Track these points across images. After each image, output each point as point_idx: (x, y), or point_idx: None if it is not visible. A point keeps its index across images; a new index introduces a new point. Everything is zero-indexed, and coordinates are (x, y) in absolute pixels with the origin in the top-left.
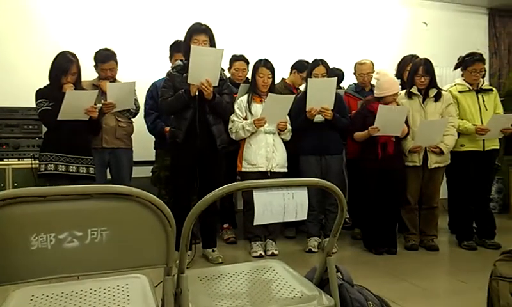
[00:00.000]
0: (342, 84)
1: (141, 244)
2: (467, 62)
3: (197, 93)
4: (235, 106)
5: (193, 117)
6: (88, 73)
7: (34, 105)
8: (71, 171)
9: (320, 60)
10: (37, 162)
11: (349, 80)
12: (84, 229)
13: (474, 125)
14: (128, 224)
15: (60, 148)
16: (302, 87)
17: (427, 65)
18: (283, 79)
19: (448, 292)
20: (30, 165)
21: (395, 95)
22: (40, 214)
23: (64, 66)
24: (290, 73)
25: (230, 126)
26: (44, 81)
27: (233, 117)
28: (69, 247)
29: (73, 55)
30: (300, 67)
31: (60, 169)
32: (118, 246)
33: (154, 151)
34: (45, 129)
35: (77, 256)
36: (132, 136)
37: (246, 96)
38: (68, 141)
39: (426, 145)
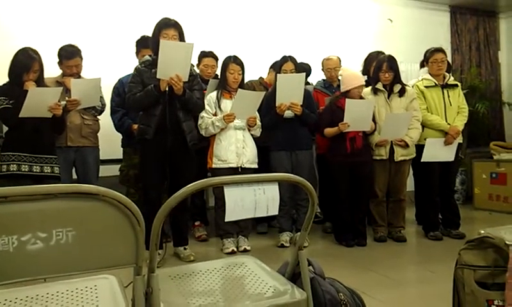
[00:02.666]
0: (310, 80)
1: (109, 243)
2: (428, 56)
3: (167, 89)
4: (205, 102)
5: (163, 113)
6: (50, 70)
7: None
8: (35, 171)
9: (289, 56)
10: None
11: (317, 76)
12: (48, 230)
13: (449, 124)
14: (95, 224)
15: (23, 147)
16: None
17: (391, 61)
18: (261, 78)
19: (416, 281)
20: None
21: (359, 87)
22: (1, 216)
23: (25, 63)
24: (269, 72)
25: (199, 122)
26: (3, 79)
27: (202, 113)
28: (33, 249)
29: (35, 52)
30: (275, 66)
31: (23, 170)
32: (85, 247)
33: (121, 149)
34: (6, 128)
35: (41, 258)
36: (98, 134)
37: (215, 92)
38: (31, 140)
39: (392, 138)
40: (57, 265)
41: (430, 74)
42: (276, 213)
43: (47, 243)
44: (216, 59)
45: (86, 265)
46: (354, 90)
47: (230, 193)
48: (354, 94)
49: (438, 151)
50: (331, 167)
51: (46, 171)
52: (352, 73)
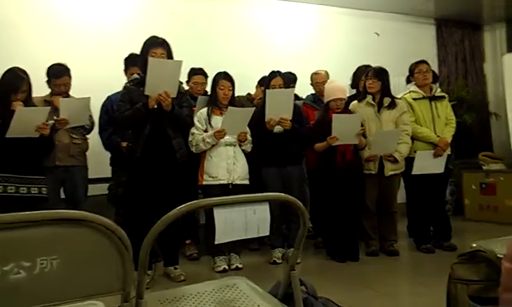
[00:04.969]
0: (297, 92)
1: (96, 270)
2: (412, 68)
3: (155, 106)
4: (195, 119)
5: (152, 131)
6: (38, 89)
7: None
8: (21, 192)
9: (277, 71)
10: None
11: (306, 90)
12: (32, 258)
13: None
14: (81, 251)
15: (9, 168)
16: None
17: (377, 70)
18: (248, 94)
19: (409, 296)
20: None
21: (337, 100)
22: None
23: (13, 84)
24: (256, 88)
25: (190, 139)
26: None
27: (193, 130)
28: (16, 279)
29: (24, 72)
30: (262, 82)
31: (9, 191)
32: (70, 275)
33: (110, 167)
34: None
35: (25, 288)
36: (86, 153)
37: (205, 108)
38: (18, 161)
39: (381, 154)
40: (41, 295)
41: (417, 86)
42: (267, 233)
43: (30, 272)
44: (206, 76)
45: (72, 293)
46: (331, 102)
47: (219, 215)
48: (332, 106)
49: (427, 164)
50: (322, 181)
51: (33, 192)
52: (332, 85)
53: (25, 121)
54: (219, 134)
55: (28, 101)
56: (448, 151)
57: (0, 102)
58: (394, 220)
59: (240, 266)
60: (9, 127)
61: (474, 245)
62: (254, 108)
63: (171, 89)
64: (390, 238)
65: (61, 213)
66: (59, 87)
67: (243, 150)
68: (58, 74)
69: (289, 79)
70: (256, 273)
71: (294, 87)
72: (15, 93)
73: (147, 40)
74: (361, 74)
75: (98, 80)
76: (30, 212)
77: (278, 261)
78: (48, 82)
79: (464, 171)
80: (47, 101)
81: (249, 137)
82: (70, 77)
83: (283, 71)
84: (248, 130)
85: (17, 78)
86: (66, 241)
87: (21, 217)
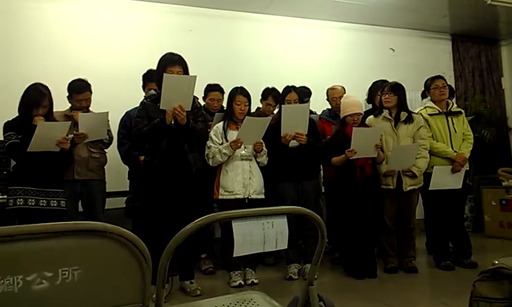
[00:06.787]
0: (313, 108)
1: (115, 282)
2: (428, 84)
3: (172, 122)
4: (211, 133)
5: (168, 145)
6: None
7: (1, 138)
8: (41, 204)
9: (292, 86)
10: (5, 196)
11: (321, 105)
12: (54, 269)
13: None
14: (101, 262)
15: (30, 181)
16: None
17: (394, 85)
18: (258, 108)
19: None
20: None
21: (354, 115)
22: (6, 255)
23: (36, 99)
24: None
25: (206, 152)
26: (11, 113)
27: (209, 143)
28: (38, 290)
29: (46, 88)
30: (264, 94)
31: (30, 203)
32: (91, 285)
33: (128, 181)
34: (13, 162)
35: (46, 298)
36: (104, 167)
37: (221, 123)
38: (38, 174)
39: (399, 169)
40: (62, 306)
41: (433, 101)
42: (285, 247)
43: (52, 283)
44: (223, 92)
45: (92, 304)
46: (348, 117)
47: (238, 227)
48: (348, 121)
49: (445, 179)
50: (340, 195)
51: (53, 204)
52: (349, 100)
53: (46, 136)
54: (236, 145)
55: (49, 116)
56: (467, 167)
57: (22, 117)
58: (413, 237)
59: (256, 281)
60: (31, 142)
61: (496, 262)
62: (271, 117)
63: (186, 103)
64: (408, 255)
65: (83, 224)
66: (81, 102)
67: (259, 164)
68: (80, 89)
69: (304, 93)
70: (273, 289)
71: (308, 101)
72: (37, 108)
73: (163, 57)
74: (377, 89)
75: (117, 95)
76: (53, 223)
77: (294, 277)
78: (69, 97)
79: (483, 187)
80: (67, 115)
81: (265, 148)
82: (91, 92)
83: (297, 86)
84: (263, 142)
85: (39, 94)
86: (87, 252)
87: (44, 228)
